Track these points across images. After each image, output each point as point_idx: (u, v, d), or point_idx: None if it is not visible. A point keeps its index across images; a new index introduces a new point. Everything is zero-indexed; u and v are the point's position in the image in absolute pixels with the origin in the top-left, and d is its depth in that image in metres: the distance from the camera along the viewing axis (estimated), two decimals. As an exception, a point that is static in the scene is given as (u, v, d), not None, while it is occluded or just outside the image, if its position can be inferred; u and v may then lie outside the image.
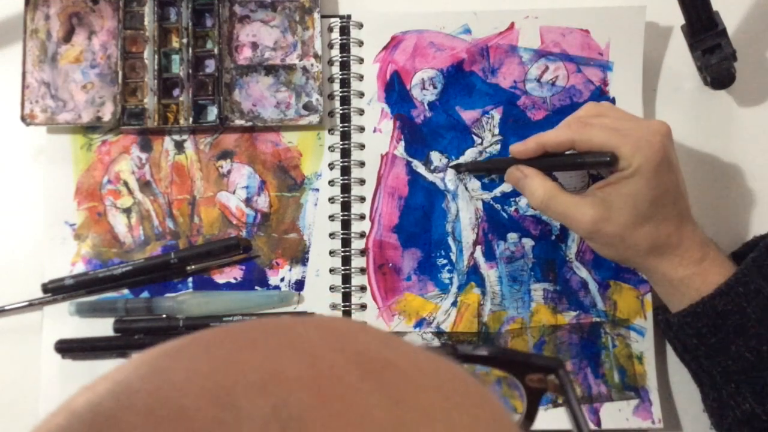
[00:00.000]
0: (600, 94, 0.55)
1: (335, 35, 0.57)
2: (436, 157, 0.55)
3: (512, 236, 0.55)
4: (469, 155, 0.55)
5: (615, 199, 0.46)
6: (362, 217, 0.55)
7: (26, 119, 0.55)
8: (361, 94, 0.56)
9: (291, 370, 0.17)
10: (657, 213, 0.46)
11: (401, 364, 0.18)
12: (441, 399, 0.18)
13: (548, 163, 0.49)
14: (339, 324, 0.20)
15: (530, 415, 0.28)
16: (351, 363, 0.18)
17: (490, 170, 0.55)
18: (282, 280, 0.55)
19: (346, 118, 0.56)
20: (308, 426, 0.15)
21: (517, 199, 0.55)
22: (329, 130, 0.56)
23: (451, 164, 0.55)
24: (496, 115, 0.55)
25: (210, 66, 0.57)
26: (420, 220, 0.55)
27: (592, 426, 0.52)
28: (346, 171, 0.56)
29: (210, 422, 0.15)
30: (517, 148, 0.50)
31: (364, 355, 0.18)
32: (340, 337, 0.19)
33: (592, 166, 0.49)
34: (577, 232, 0.49)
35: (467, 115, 0.56)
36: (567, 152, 0.48)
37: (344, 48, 0.57)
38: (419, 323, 0.54)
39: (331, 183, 0.55)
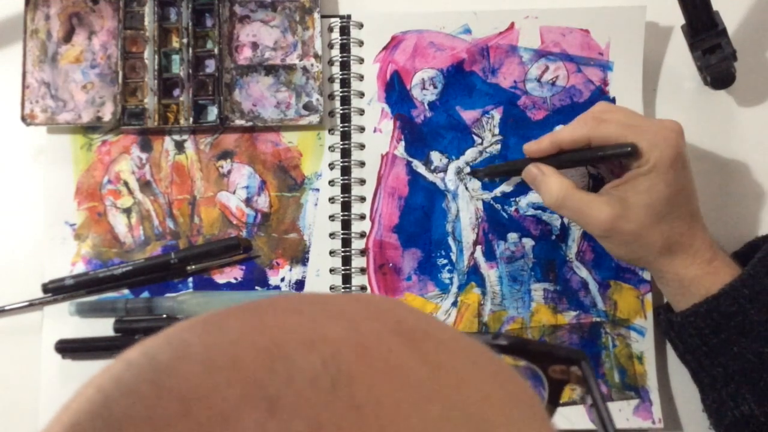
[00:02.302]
0: (600, 94, 0.55)
1: (335, 35, 0.57)
2: (436, 157, 0.55)
3: (512, 236, 0.55)
4: (470, 155, 0.55)
5: (632, 197, 0.46)
6: (362, 217, 0.55)
7: (26, 119, 0.55)
8: (361, 94, 0.56)
9: (336, 333, 0.18)
10: (672, 211, 0.46)
11: (438, 335, 0.19)
12: (476, 370, 0.19)
13: (566, 159, 0.49)
14: (375, 298, 0.21)
15: (553, 403, 0.29)
16: (391, 331, 0.18)
17: (507, 173, 0.54)
18: (282, 280, 0.55)
19: (346, 118, 0.56)
20: (356, 380, 0.16)
21: (517, 199, 0.55)
22: (329, 130, 0.56)
23: (468, 171, 0.55)
24: (497, 115, 0.55)
25: (210, 66, 0.57)
26: (420, 220, 0.55)
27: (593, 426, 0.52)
28: (346, 171, 0.56)
29: (264, 371, 0.16)
30: (531, 147, 0.50)
31: (403, 325, 0.19)
32: (378, 309, 0.20)
33: (612, 159, 0.48)
34: (593, 230, 0.48)
35: (467, 115, 0.56)
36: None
37: (344, 48, 0.57)
38: (419, 323, 0.54)
39: (331, 183, 0.55)
